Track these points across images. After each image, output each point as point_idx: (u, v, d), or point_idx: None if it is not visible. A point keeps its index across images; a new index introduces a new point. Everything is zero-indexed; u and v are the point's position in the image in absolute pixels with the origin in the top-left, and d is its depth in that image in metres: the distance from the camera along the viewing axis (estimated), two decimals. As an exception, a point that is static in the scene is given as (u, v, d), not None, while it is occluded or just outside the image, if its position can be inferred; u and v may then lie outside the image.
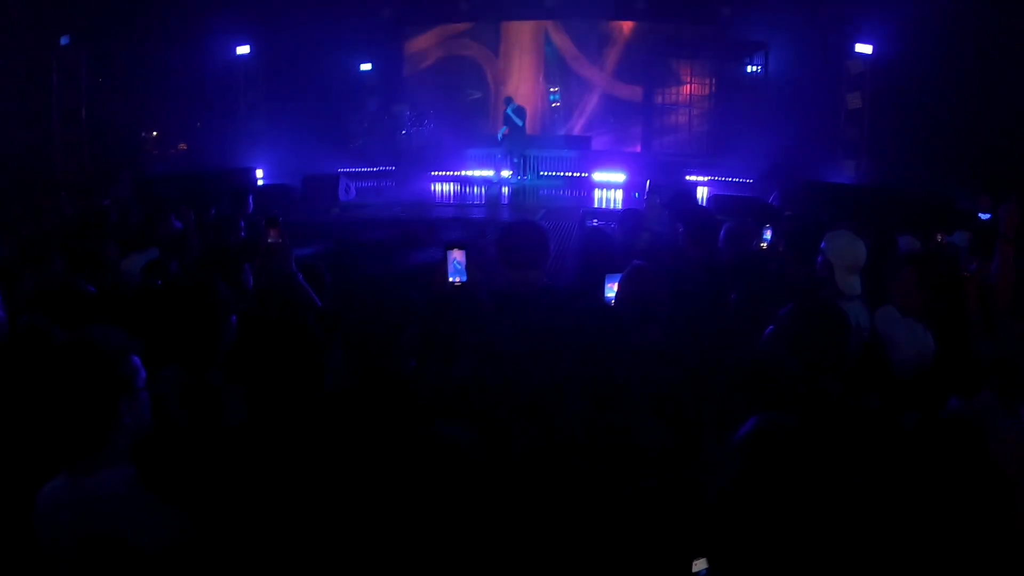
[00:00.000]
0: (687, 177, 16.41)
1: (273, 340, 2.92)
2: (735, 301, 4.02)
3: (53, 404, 2.23)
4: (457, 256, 3.50)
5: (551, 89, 20.49)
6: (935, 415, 2.88)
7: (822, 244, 4.52)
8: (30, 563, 2.33)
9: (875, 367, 3.43)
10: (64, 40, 14.77)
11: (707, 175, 16.80)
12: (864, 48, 15.61)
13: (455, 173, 18.63)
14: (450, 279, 3.49)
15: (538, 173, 18.58)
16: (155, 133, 17.92)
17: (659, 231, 6.87)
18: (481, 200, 17.02)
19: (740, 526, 1.44)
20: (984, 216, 10.05)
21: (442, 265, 3.51)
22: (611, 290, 3.75)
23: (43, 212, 7.91)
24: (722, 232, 5.58)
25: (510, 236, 3.92)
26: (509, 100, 18.29)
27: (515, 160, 18.20)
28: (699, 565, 1.75)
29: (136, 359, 2.35)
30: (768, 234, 6.17)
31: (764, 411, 1.62)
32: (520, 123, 17.98)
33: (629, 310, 3.54)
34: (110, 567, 2.20)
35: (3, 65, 13.43)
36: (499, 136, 18.23)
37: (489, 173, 18.48)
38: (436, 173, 18.38)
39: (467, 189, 17.90)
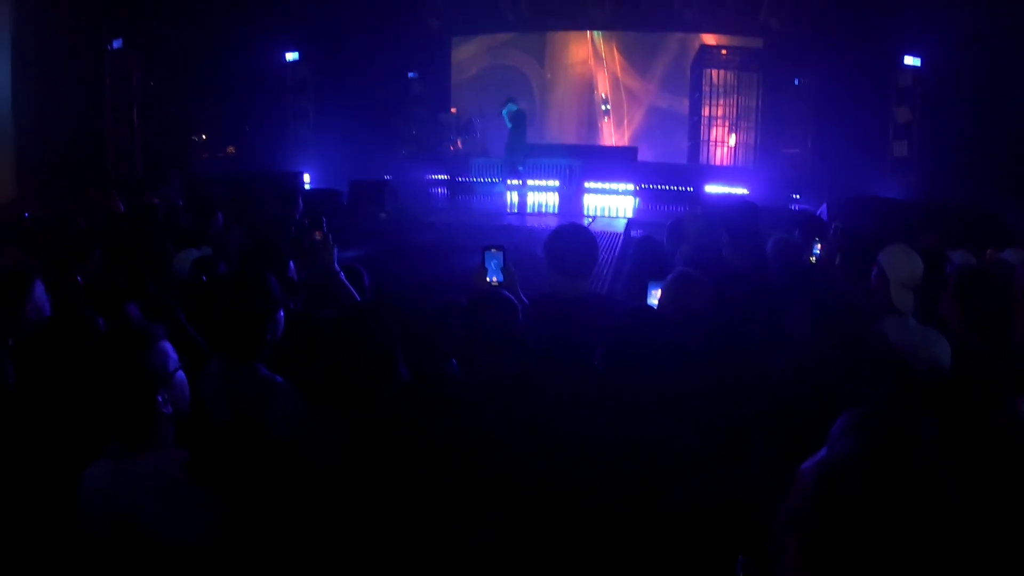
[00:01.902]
0: (733, 190, 16.25)
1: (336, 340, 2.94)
2: (795, 319, 3.94)
3: (93, 399, 2.28)
4: (494, 257, 3.52)
5: (603, 95, 20.42)
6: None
7: (878, 258, 4.42)
8: (71, 543, 2.35)
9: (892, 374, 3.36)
10: (117, 43, 15.06)
11: (753, 188, 16.61)
12: (913, 60, 15.37)
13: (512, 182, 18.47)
14: (488, 279, 3.52)
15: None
16: (204, 136, 18.20)
17: (701, 243, 6.82)
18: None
19: (845, 519, 1.41)
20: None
21: (480, 266, 3.52)
22: (654, 296, 3.73)
23: (95, 209, 8.04)
24: (769, 245, 5.50)
25: (559, 241, 3.87)
26: (509, 101, 17.79)
27: (520, 168, 17.67)
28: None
29: (166, 344, 2.37)
30: (818, 248, 6.08)
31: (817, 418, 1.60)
32: (510, 126, 17.53)
33: (671, 316, 3.49)
34: (146, 550, 2.20)
35: (59, 66, 13.72)
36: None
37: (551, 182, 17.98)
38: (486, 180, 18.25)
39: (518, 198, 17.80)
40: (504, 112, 17.62)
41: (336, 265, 4.21)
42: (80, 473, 2.36)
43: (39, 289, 3.59)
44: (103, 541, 2.27)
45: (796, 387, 2.54)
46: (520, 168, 17.55)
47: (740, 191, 16.11)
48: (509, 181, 17.47)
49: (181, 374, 2.40)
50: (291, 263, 4.50)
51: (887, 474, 1.40)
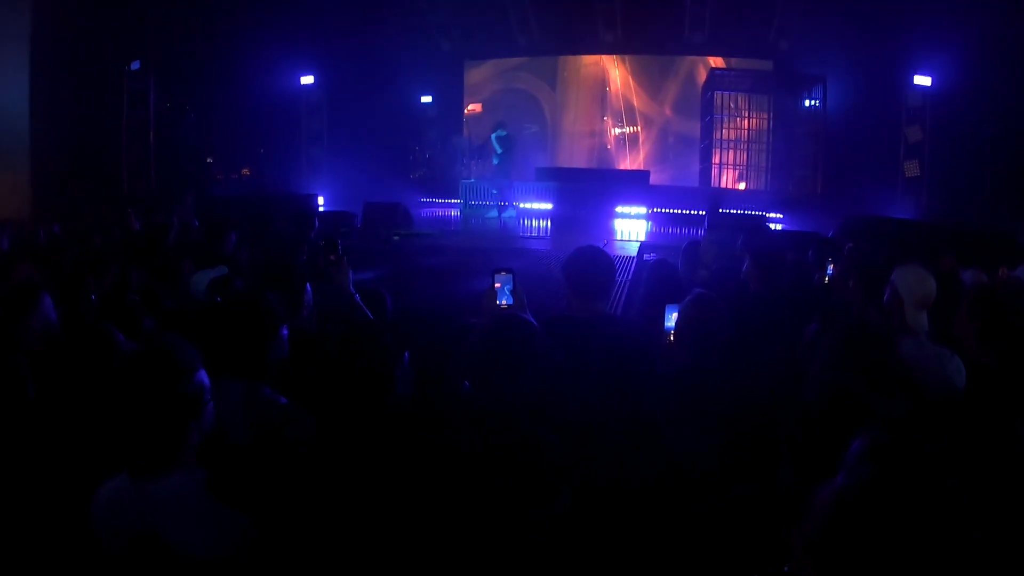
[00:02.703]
0: (747, 212, 16.24)
1: (336, 356, 2.94)
2: (809, 339, 3.93)
3: (124, 418, 2.25)
4: (504, 280, 3.53)
5: (615, 119, 20.49)
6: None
7: (892, 278, 4.41)
8: (87, 559, 2.34)
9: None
10: (135, 65, 15.24)
11: (766, 210, 16.60)
12: (923, 80, 15.36)
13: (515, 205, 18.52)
14: (498, 302, 3.53)
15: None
16: (219, 158, 18.34)
17: (717, 266, 6.84)
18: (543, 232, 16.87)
19: (858, 539, 1.41)
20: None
21: (490, 289, 3.53)
22: (671, 319, 3.73)
23: (110, 226, 8.10)
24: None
25: (577, 263, 3.89)
26: (498, 125, 18.09)
27: (493, 191, 17.93)
28: None
29: (203, 374, 2.37)
30: (831, 268, 6.07)
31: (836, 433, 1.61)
32: (499, 151, 17.78)
33: (688, 337, 3.49)
34: (164, 569, 2.20)
35: (76, 86, 13.88)
36: (495, 161, 18.11)
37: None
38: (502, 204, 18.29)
39: (526, 221, 17.81)
40: (493, 137, 17.95)
41: (351, 287, 4.22)
42: (93, 489, 2.35)
43: (47, 303, 3.61)
44: (119, 558, 2.26)
45: (813, 408, 2.54)
46: (494, 191, 17.85)
47: (754, 213, 16.12)
48: (500, 203, 17.72)
49: (211, 405, 2.40)
50: (308, 285, 4.52)
51: (901, 503, 1.40)
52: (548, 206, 17.19)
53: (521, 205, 17.71)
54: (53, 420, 2.83)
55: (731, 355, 3.53)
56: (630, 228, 15.99)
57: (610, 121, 20.67)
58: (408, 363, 3.28)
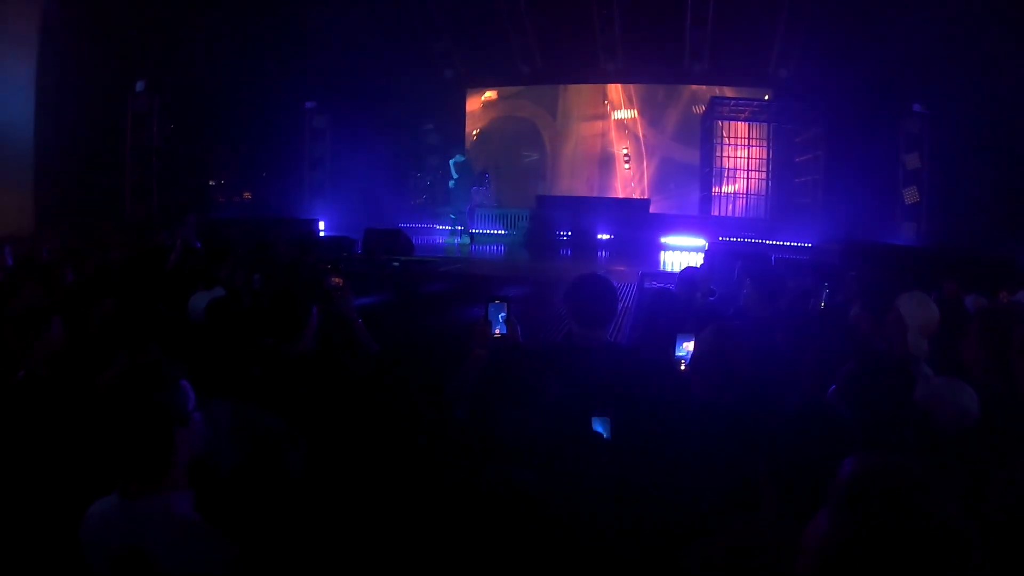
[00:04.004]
0: (746, 240, 16.27)
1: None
2: (808, 365, 3.91)
3: (110, 434, 2.23)
4: (499, 309, 3.52)
5: (617, 147, 20.59)
6: None
7: (895, 305, 4.41)
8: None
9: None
10: (139, 86, 15.32)
11: (767, 238, 16.64)
12: (921, 108, 15.48)
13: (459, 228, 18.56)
14: (493, 331, 3.52)
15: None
16: (221, 180, 18.40)
17: (717, 292, 6.85)
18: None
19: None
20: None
21: (484, 319, 3.52)
22: (683, 349, 3.70)
23: (110, 247, 8.11)
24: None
25: (580, 290, 3.85)
26: (457, 154, 18.43)
27: (451, 216, 18.26)
28: None
29: (185, 383, 2.36)
30: (825, 294, 6.09)
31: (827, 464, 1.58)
32: (455, 176, 18.04)
33: (710, 369, 3.44)
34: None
35: (81, 106, 13.95)
36: (451, 184, 18.37)
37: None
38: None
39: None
40: (451, 163, 18.16)
41: (355, 311, 4.22)
42: (85, 508, 2.34)
43: (56, 325, 3.62)
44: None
45: (813, 438, 2.52)
46: (452, 216, 18.21)
47: (754, 241, 16.16)
48: (456, 228, 18.04)
49: (198, 415, 2.39)
50: (313, 308, 4.52)
51: (894, 538, 1.37)
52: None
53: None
54: (57, 440, 2.83)
55: (752, 391, 3.50)
56: (682, 260, 14.82)
57: (612, 149, 20.74)
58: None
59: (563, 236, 17.76)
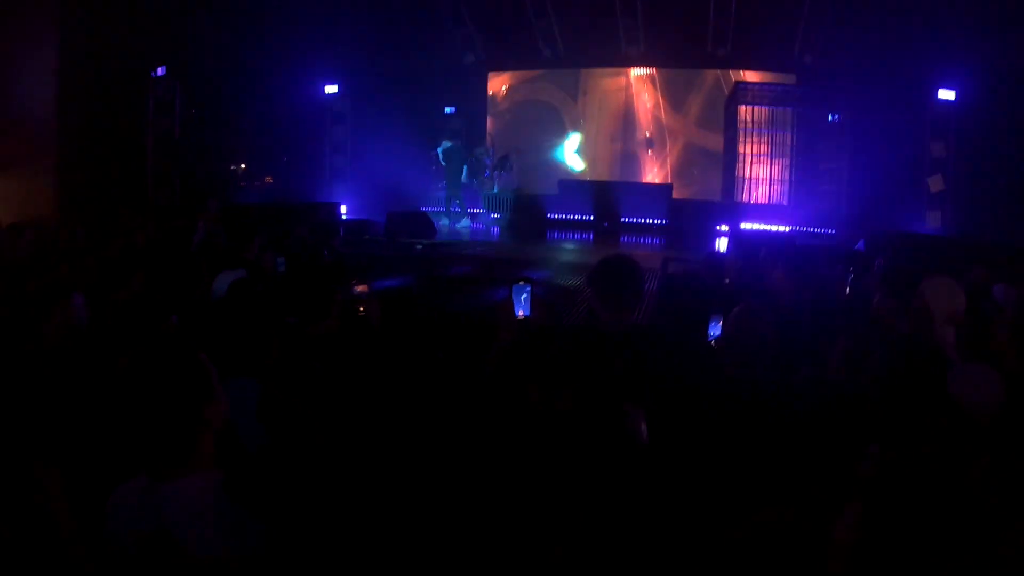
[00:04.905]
0: (767, 227, 16.15)
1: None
2: (837, 353, 3.86)
3: (135, 411, 2.20)
4: (522, 291, 3.48)
5: (640, 131, 20.46)
6: None
7: (921, 292, 4.32)
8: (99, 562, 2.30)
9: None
10: (160, 71, 15.36)
11: (790, 224, 16.49)
12: (947, 94, 15.24)
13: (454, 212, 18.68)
14: (516, 313, 3.48)
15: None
16: (243, 165, 18.45)
17: (740, 279, 6.83)
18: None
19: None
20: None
21: (508, 300, 3.48)
22: (715, 329, 3.68)
23: (133, 231, 8.13)
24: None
25: (606, 272, 3.80)
26: (445, 139, 18.54)
27: (456, 201, 18.46)
28: None
29: (204, 356, 2.33)
30: (850, 280, 6.04)
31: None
32: (444, 163, 18.23)
33: (737, 348, 3.43)
34: (176, 570, 2.15)
35: (102, 92, 14.01)
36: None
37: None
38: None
39: (550, 233, 17.84)
40: (439, 150, 18.22)
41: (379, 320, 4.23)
42: (110, 490, 2.31)
43: (78, 301, 3.61)
44: (131, 559, 2.22)
45: (839, 424, 2.48)
46: (456, 201, 18.29)
47: (779, 228, 16.03)
48: (453, 211, 18.26)
49: (222, 391, 2.36)
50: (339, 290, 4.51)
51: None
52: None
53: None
54: (79, 418, 2.81)
55: (776, 366, 3.47)
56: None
57: (637, 133, 20.61)
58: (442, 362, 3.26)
59: (554, 219, 18.16)
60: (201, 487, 2.21)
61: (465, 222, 18.39)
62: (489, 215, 18.75)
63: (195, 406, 2.21)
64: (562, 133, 20.90)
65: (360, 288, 4.04)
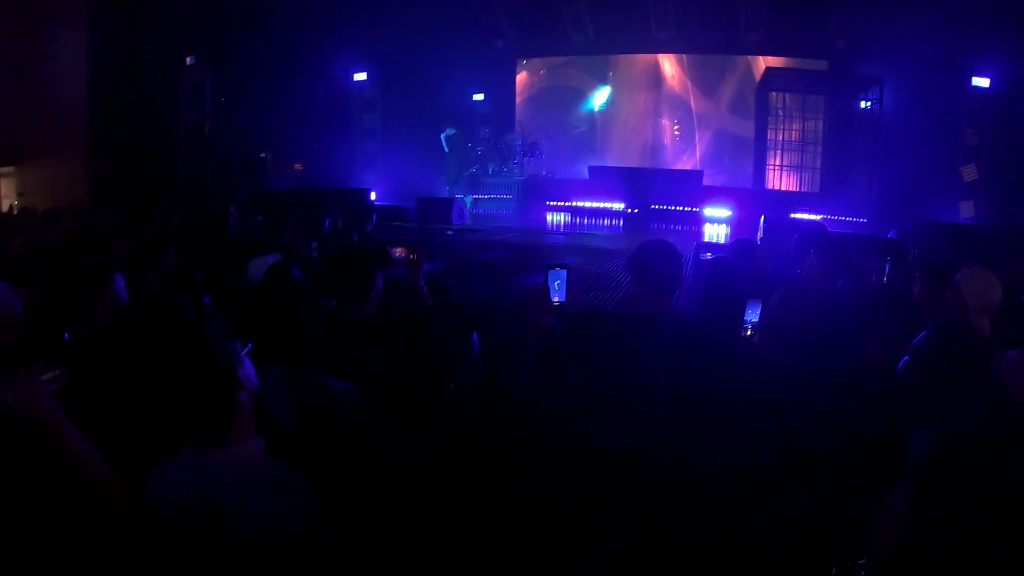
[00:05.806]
0: (800, 215, 15.98)
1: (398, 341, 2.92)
2: (873, 342, 3.83)
3: (175, 385, 2.22)
4: (558, 276, 3.46)
5: (668, 118, 20.33)
6: None
7: (956, 281, 4.26)
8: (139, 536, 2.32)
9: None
10: (190, 60, 15.47)
11: (821, 212, 16.33)
12: (981, 82, 14.99)
13: (568, 204, 18.38)
14: (552, 299, 3.47)
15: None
16: (272, 152, 18.56)
17: (772, 267, 6.78)
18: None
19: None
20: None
21: (544, 285, 3.47)
22: (753, 315, 3.66)
23: (166, 217, 8.19)
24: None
25: (646, 256, 3.78)
26: (447, 126, 18.44)
27: (459, 188, 18.40)
28: None
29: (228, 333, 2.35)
30: (888, 268, 5.97)
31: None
32: (447, 150, 18.23)
33: (779, 328, 3.41)
34: (227, 542, 2.16)
35: (133, 81, 14.13)
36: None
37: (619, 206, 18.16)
38: (551, 203, 18.22)
39: (580, 219, 17.76)
40: (442, 136, 18.22)
41: (421, 280, 4.27)
42: (152, 467, 2.32)
43: (119, 282, 3.64)
44: (178, 534, 2.22)
45: (877, 413, 2.46)
46: (459, 188, 18.27)
47: (812, 216, 15.87)
48: (456, 196, 17.95)
49: (248, 360, 2.36)
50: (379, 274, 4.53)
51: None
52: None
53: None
54: (122, 398, 2.83)
55: (816, 353, 3.44)
56: (715, 232, 15.76)
57: (663, 120, 20.47)
58: (477, 346, 3.24)
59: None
60: (248, 453, 2.23)
61: (468, 199, 18.27)
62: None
63: (230, 367, 2.24)
64: (590, 119, 20.80)
65: (399, 251, 4.09)
